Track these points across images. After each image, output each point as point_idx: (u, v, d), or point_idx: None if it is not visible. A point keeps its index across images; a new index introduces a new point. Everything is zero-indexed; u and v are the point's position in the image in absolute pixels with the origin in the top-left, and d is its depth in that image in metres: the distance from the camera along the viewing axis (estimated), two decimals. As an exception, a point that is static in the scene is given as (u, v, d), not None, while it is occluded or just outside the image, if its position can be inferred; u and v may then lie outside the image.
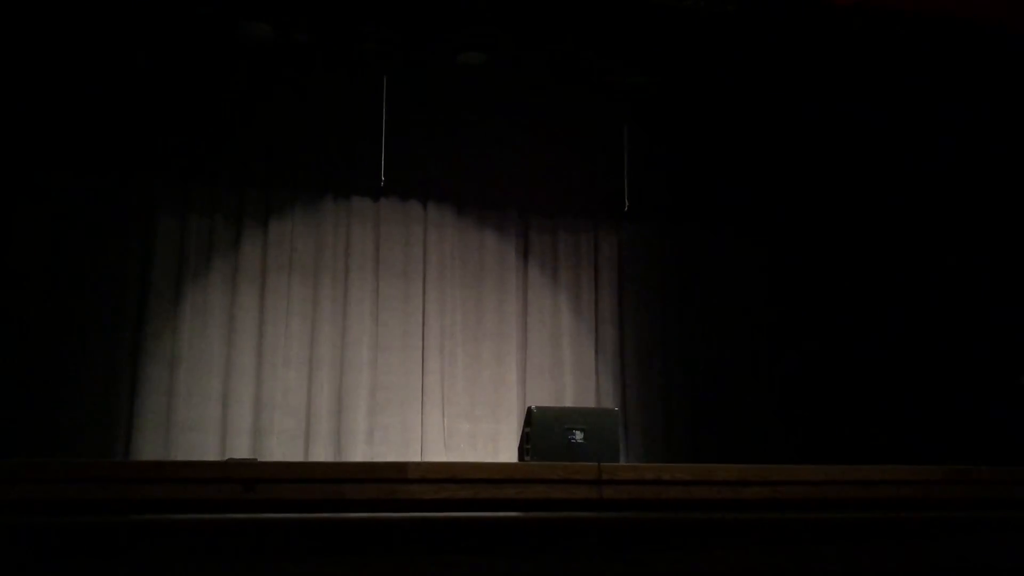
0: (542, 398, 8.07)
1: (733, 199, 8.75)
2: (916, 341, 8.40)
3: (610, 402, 8.35)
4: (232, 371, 7.67)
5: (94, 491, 3.54)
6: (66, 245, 7.42)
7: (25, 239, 7.35)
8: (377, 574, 3.61)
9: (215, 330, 7.71)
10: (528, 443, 6.17)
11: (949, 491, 4.45)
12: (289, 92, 7.90)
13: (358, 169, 8.06)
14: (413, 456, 7.79)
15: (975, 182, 8.23)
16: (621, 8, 6.92)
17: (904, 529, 4.14)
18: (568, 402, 8.26)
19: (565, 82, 8.07)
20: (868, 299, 8.66)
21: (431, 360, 8.13)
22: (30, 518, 3.47)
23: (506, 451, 7.89)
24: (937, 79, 7.54)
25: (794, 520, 4.10)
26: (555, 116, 8.45)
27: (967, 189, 8.29)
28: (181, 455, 7.28)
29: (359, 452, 7.75)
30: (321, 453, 7.70)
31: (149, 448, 7.31)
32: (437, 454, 7.88)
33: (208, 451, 7.41)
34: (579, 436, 6.07)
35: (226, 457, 7.17)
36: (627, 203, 8.38)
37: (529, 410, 6.40)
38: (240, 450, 7.45)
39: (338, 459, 7.64)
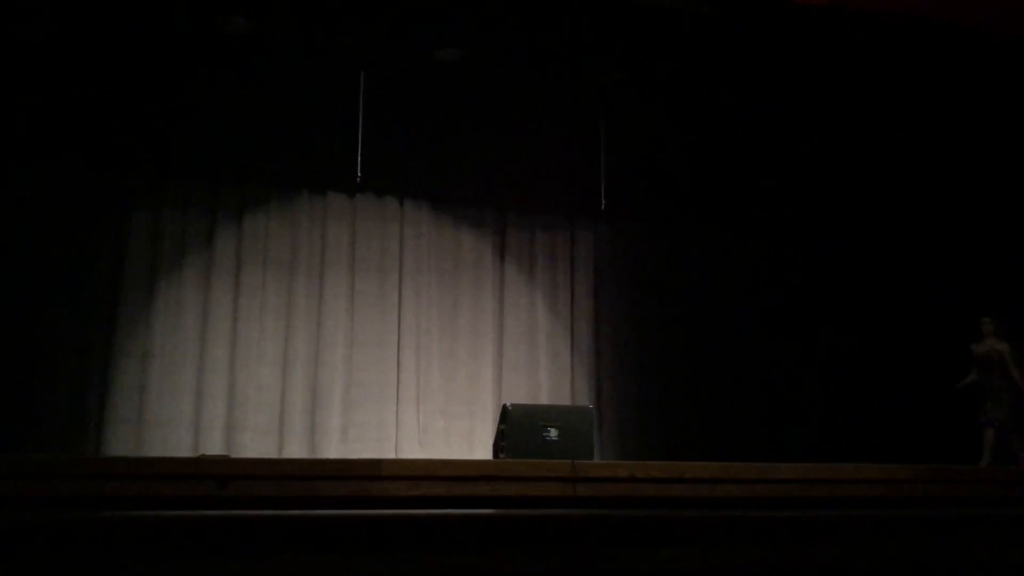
0: (517, 395, 8.09)
1: (709, 198, 8.80)
2: (891, 341, 8.51)
3: (585, 400, 8.38)
4: (205, 367, 7.62)
5: (64, 488, 3.51)
6: (37, 240, 7.32)
7: (-5, 232, 7.26)
8: (350, 571, 3.60)
9: (188, 326, 7.65)
10: (503, 440, 6.18)
11: (917, 489, 4.52)
12: (265, 87, 7.85)
13: (334, 165, 8.03)
14: (388, 453, 7.78)
15: (950, 178, 8.36)
16: (598, 7, 6.94)
17: (874, 526, 4.20)
18: (543, 399, 8.28)
19: (542, 80, 8.08)
20: (843, 298, 8.75)
21: (406, 357, 8.11)
22: (-1, 515, 3.43)
23: (481, 448, 7.89)
24: (906, 78, 7.64)
25: (767, 517, 4.14)
26: (532, 114, 8.46)
27: (944, 186, 8.42)
28: (153, 451, 7.22)
29: (333, 449, 7.73)
30: (295, 450, 7.67)
31: (121, 444, 7.24)
32: (412, 451, 7.87)
33: (181, 447, 7.35)
34: (554, 433, 6.09)
35: (199, 454, 7.12)
36: (604, 202, 8.40)
37: (504, 407, 6.41)
38: (213, 447, 7.40)
39: (312, 456, 7.61)
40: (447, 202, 8.48)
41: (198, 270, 7.77)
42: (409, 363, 8.11)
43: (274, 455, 7.49)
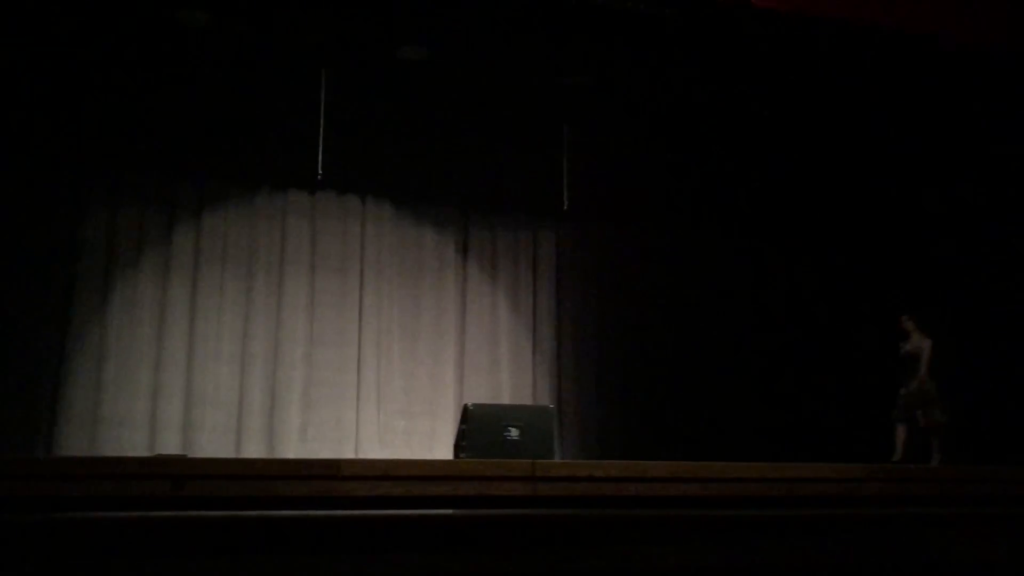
0: (479, 395, 8.08)
1: (671, 199, 8.86)
2: (851, 342, 8.64)
3: (547, 399, 8.40)
4: (162, 365, 7.52)
5: (14, 488, 3.43)
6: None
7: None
8: (309, 572, 3.57)
9: (145, 323, 7.54)
10: (464, 440, 6.17)
11: (871, 488, 4.59)
12: (225, 82, 7.75)
13: (295, 162, 7.96)
14: (348, 453, 7.73)
15: (908, 179, 8.54)
16: (561, 9, 6.96)
17: (831, 524, 4.25)
18: (505, 399, 8.28)
19: (506, 80, 8.08)
20: (806, 299, 8.85)
21: (367, 356, 8.07)
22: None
23: (442, 448, 7.88)
24: (862, 82, 7.79)
25: (725, 516, 4.18)
26: (495, 113, 8.46)
27: (903, 186, 8.59)
28: (108, 451, 7.10)
29: (293, 449, 7.67)
30: (253, 449, 7.59)
31: (74, 444, 7.12)
32: (372, 451, 7.83)
33: (136, 447, 7.24)
34: (515, 433, 6.09)
35: (155, 453, 7.02)
36: (566, 202, 8.42)
37: (465, 407, 6.40)
38: (170, 446, 7.31)
39: (271, 456, 7.54)
40: (409, 201, 8.45)
41: (155, 267, 7.66)
42: (370, 362, 8.07)
43: (232, 455, 7.41)
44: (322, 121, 7.85)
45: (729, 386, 8.64)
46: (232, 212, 7.93)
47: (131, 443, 7.25)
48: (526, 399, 8.38)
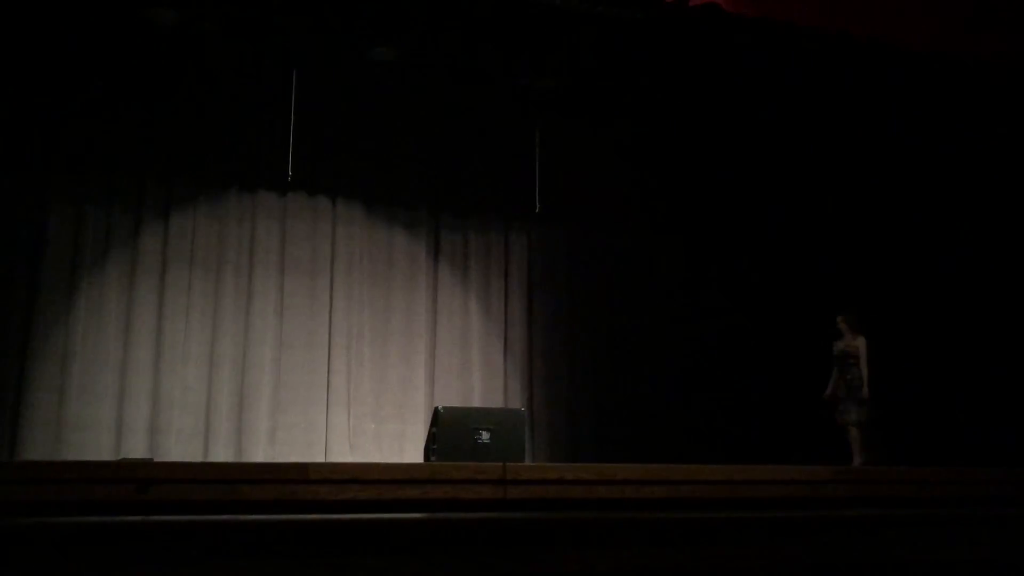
0: (450, 398, 8.06)
1: (642, 202, 8.90)
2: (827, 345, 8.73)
3: (518, 402, 8.39)
4: (128, 367, 7.41)
5: (-26, 493, 3.37)
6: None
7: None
8: (276, 577, 3.54)
9: (111, 325, 7.43)
10: (434, 443, 6.16)
11: (837, 489, 4.64)
12: (194, 81, 7.67)
13: (265, 162, 7.90)
14: (317, 457, 7.68)
15: (870, 180, 8.68)
16: (534, 13, 6.97)
17: (796, 526, 4.29)
18: (476, 402, 8.27)
19: (477, 82, 8.07)
20: (774, 301, 8.92)
21: (337, 359, 8.02)
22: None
23: (413, 451, 7.84)
24: (829, 87, 7.90)
25: (694, 519, 4.20)
26: (467, 115, 8.45)
27: (862, 187, 8.73)
28: (72, 455, 7.00)
29: (261, 452, 7.60)
30: (221, 453, 7.51)
31: (37, 448, 6.99)
32: (342, 455, 7.78)
33: (102, 451, 7.14)
34: (485, 436, 6.10)
35: (120, 457, 6.93)
36: (538, 205, 8.43)
37: (436, 410, 6.39)
38: (136, 450, 7.21)
39: (239, 459, 7.47)
40: (380, 202, 8.41)
41: (121, 268, 7.56)
42: (340, 365, 8.02)
43: (199, 458, 7.33)
44: (292, 122, 7.79)
45: (700, 389, 8.69)
46: (201, 212, 7.85)
47: (96, 447, 7.14)
48: (497, 402, 8.37)
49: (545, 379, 8.65)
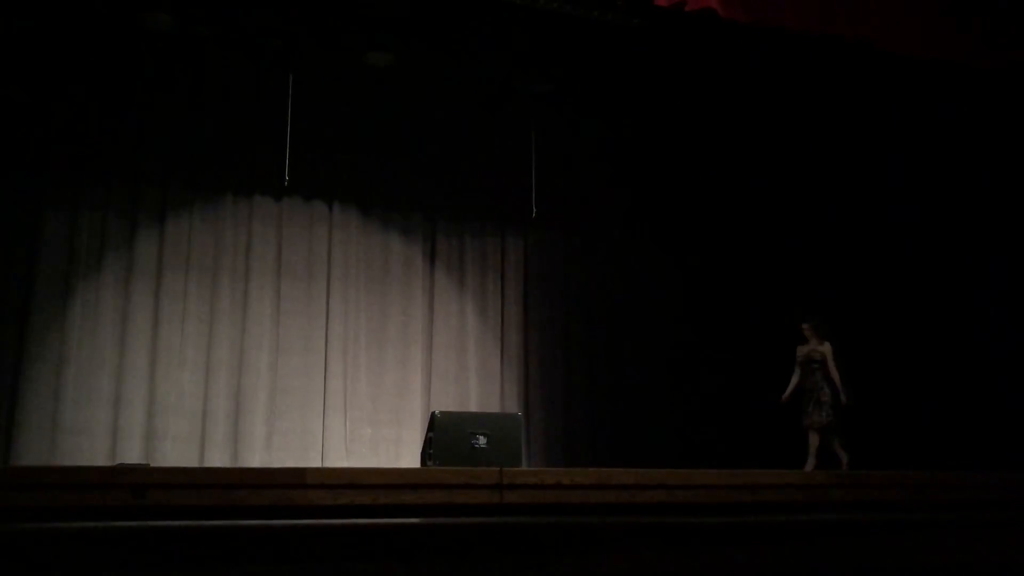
0: (446, 403, 8.05)
1: (638, 207, 8.91)
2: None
3: (515, 407, 8.39)
4: (124, 373, 7.40)
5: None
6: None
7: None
8: (273, 582, 3.53)
9: (106, 330, 7.42)
10: (431, 448, 6.15)
11: (832, 494, 4.65)
12: (190, 86, 7.67)
13: (261, 167, 7.88)
14: (313, 462, 7.66)
15: (856, 181, 8.71)
16: (530, 18, 6.99)
17: (795, 530, 4.29)
18: (473, 407, 8.26)
19: (473, 87, 8.08)
20: (772, 306, 8.92)
21: (334, 364, 8.01)
22: None
23: (409, 456, 7.84)
24: (821, 92, 7.92)
25: (691, 523, 4.20)
26: (463, 120, 8.45)
27: (848, 190, 8.75)
28: (67, 460, 6.98)
29: (257, 457, 7.58)
30: (217, 458, 7.50)
31: (33, 453, 6.98)
32: (338, 460, 7.77)
33: (97, 456, 7.12)
34: (482, 441, 6.09)
35: (116, 462, 6.91)
36: (534, 209, 8.44)
37: (432, 415, 6.38)
38: (132, 455, 7.19)
39: (235, 464, 7.45)
40: (377, 207, 8.41)
41: (117, 273, 7.55)
42: (336, 370, 8.01)
43: (195, 464, 7.32)
44: (289, 126, 7.78)
45: (696, 393, 8.69)
46: (196, 217, 7.84)
47: (92, 452, 7.13)
48: (493, 407, 8.36)
49: (541, 383, 8.65)
